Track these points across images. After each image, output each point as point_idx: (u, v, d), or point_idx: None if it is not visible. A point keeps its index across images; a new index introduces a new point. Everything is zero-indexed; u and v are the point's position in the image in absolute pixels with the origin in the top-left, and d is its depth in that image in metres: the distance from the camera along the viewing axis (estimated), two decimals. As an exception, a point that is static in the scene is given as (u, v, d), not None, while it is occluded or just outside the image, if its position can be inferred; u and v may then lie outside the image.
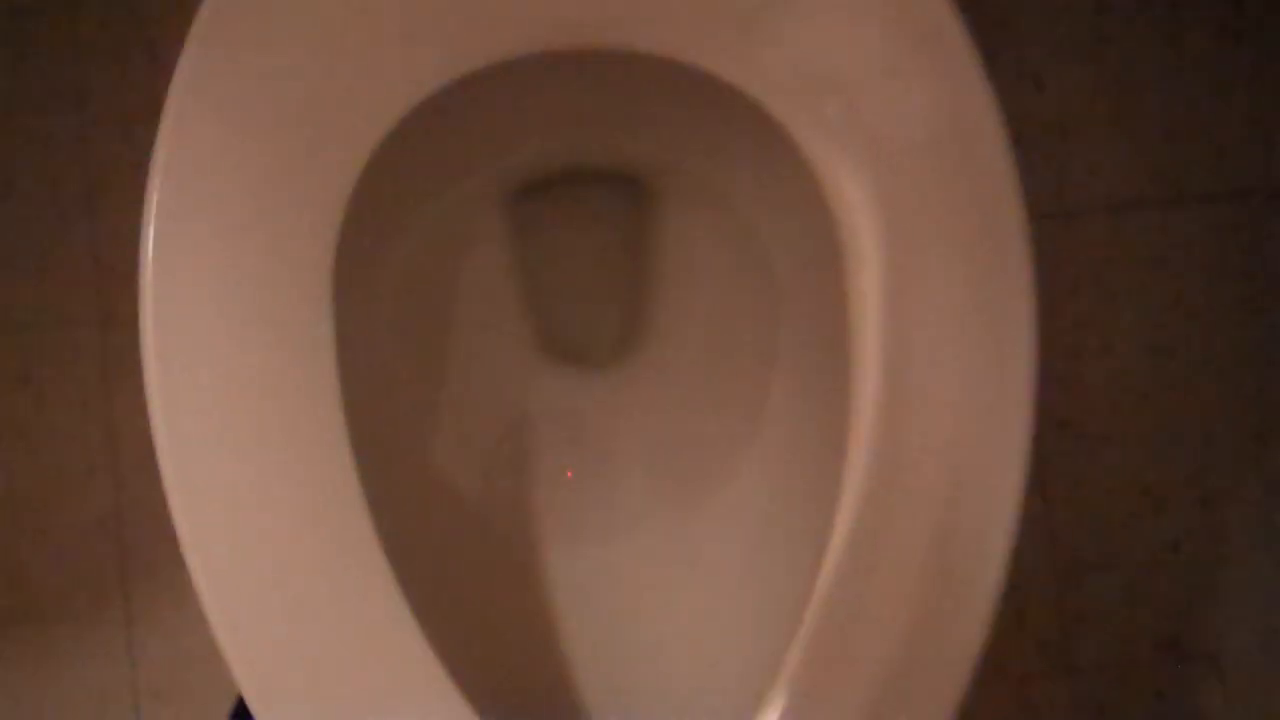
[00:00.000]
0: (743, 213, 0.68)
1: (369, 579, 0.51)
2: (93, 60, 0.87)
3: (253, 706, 0.50)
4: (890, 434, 0.51)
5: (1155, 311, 0.90)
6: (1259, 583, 0.90)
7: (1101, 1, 0.91)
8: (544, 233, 0.72)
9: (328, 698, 0.50)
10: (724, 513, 0.66)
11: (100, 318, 0.86)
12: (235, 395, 0.51)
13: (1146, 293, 0.90)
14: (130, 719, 0.85)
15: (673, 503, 0.67)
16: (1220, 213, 0.91)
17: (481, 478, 0.68)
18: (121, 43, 0.87)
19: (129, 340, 0.85)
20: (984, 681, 0.86)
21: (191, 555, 0.50)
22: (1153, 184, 0.91)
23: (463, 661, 0.52)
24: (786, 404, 0.65)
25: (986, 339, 0.51)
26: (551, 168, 0.71)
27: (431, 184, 0.66)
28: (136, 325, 0.82)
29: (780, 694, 0.51)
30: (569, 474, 0.69)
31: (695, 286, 0.70)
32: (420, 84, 0.54)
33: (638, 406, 0.70)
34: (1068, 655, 0.89)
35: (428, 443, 0.67)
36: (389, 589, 0.51)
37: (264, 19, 0.52)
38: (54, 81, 0.87)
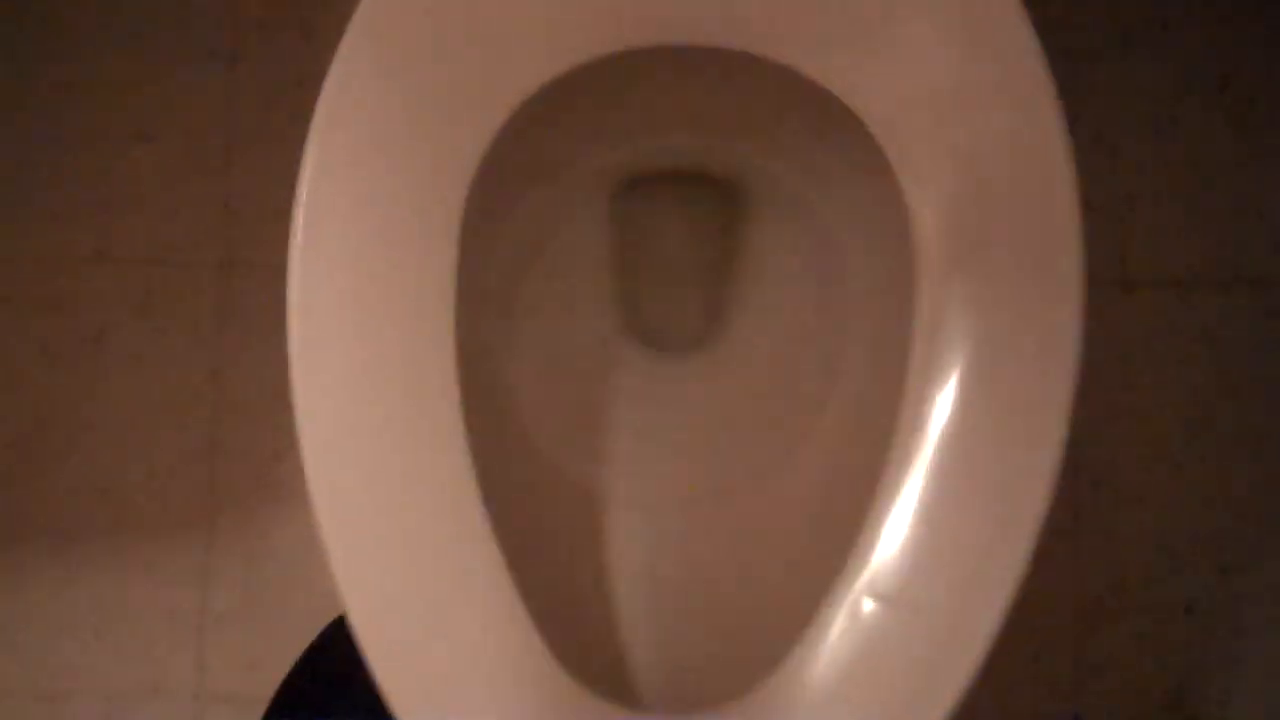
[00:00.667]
0: (826, 225, 0.73)
1: (469, 528, 0.57)
2: (249, 27, 0.94)
3: (364, 645, 0.55)
4: (940, 426, 0.57)
5: (1198, 386, 0.95)
6: (1268, 653, 0.94)
7: (1181, 85, 0.97)
8: (640, 225, 0.78)
9: (433, 651, 0.56)
10: (781, 498, 0.72)
11: (222, 261, 0.93)
12: (364, 346, 0.57)
13: (1192, 367, 0.95)
14: (194, 638, 0.91)
15: (735, 483, 0.73)
16: (1272, 298, 0.96)
17: (562, 442, 0.74)
18: (277, 16, 0.94)
19: (245, 285, 0.92)
20: (992, 715, 0.92)
21: (316, 492, 0.56)
22: (1211, 264, 0.96)
23: (538, 605, 0.58)
24: (845, 405, 0.71)
25: (1032, 373, 0.57)
26: (654, 165, 0.77)
27: (545, 167, 0.72)
28: (254, 272, 0.90)
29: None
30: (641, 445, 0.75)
31: (774, 289, 0.76)
32: (546, 68, 0.59)
33: (711, 391, 0.76)
34: (1078, 701, 0.94)
35: (517, 404, 0.73)
36: (487, 537, 0.57)
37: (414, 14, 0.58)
38: (209, 42, 0.94)
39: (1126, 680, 0.94)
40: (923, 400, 0.58)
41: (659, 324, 0.78)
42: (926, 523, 0.57)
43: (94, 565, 0.91)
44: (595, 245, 0.77)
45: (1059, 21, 0.97)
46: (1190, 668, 0.94)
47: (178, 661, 0.91)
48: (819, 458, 0.72)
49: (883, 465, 0.58)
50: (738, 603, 0.70)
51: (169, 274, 0.93)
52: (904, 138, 0.59)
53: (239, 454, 0.91)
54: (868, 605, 0.57)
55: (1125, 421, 0.95)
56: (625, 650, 0.69)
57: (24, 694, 0.91)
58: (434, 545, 0.57)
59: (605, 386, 0.76)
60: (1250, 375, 0.95)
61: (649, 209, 0.78)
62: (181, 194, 0.93)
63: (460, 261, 0.59)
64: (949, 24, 0.59)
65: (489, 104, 0.59)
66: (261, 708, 0.84)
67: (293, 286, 0.56)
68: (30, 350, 0.93)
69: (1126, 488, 0.95)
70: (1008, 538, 0.57)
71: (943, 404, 0.57)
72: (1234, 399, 0.95)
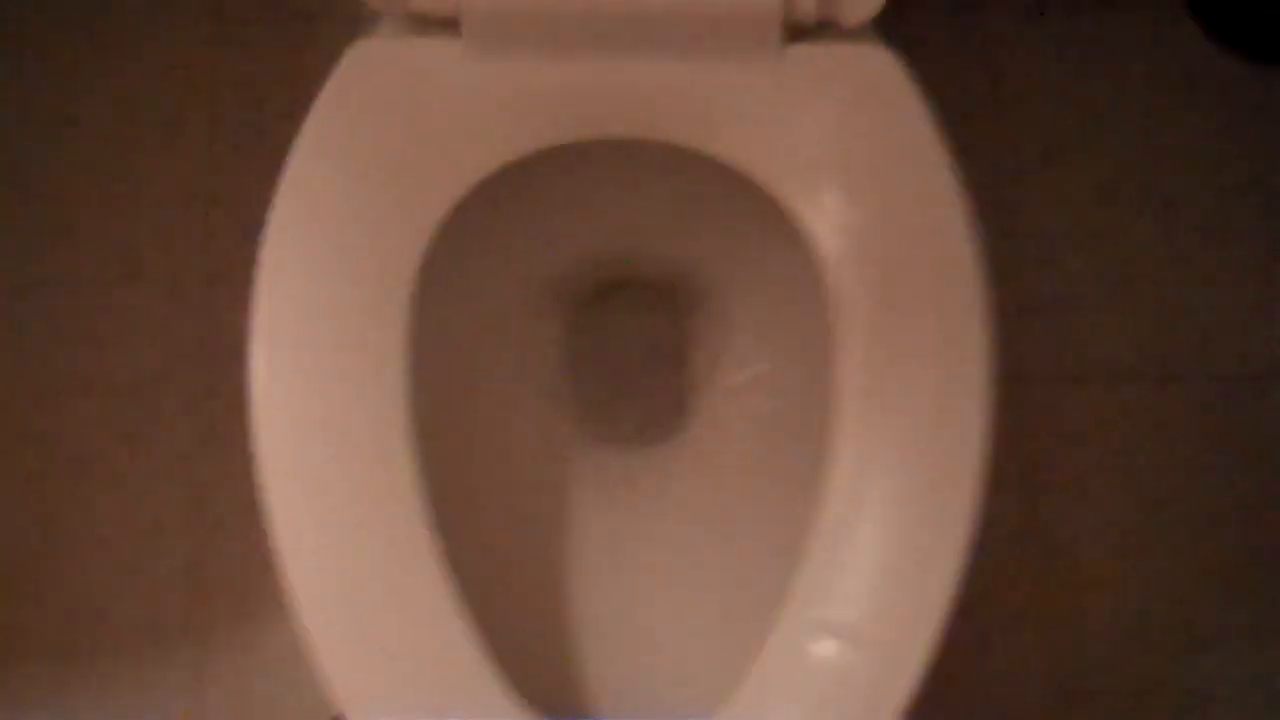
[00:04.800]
0: (759, 311, 0.80)
1: (431, 589, 0.61)
2: (223, 167, 1.01)
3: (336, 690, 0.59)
4: (863, 481, 0.62)
5: (1148, 470, 0.99)
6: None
7: (1102, 195, 1.03)
8: (596, 332, 0.83)
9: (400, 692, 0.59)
10: (733, 565, 0.76)
11: (203, 389, 0.97)
12: (325, 446, 0.62)
13: (1140, 454, 0.99)
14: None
15: (691, 551, 0.77)
16: (1205, 392, 1.01)
17: (527, 512, 0.78)
18: (249, 154, 1.01)
19: (226, 411, 0.96)
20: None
21: (285, 558, 0.60)
22: (1146, 361, 1.01)
23: (503, 655, 0.61)
24: (785, 467, 0.75)
25: (947, 395, 0.62)
26: (591, 271, 0.83)
27: (487, 275, 0.77)
28: (235, 399, 0.93)
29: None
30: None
31: (717, 375, 0.82)
32: (470, 172, 0.65)
33: (666, 479, 0.81)
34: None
35: (481, 484, 0.76)
36: (444, 592, 0.61)
37: (361, 116, 0.65)
38: (186, 185, 1.01)
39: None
40: (845, 459, 0.62)
41: (616, 423, 0.83)
42: (859, 567, 0.61)
43: (89, 686, 0.92)
44: (547, 351, 0.82)
45: (987, 140, 1.04)
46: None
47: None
48: (768, 511, 0.76)
49: (814, 520, 0.62)
50: (687, 642, 0.73)
51: (155, 403, 0.96)
52: (814, 211, 0.64)
53: (225, 570, 0.94)
54: (809, 639, 0.60)
55: (1086, 506, 0.99)
56: (589, 690, 0.72)
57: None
58: (401, 610, 0.61)
59: (564, 473, 0.80)
60: (1195, 459, 1.00)
61: (604, 317, 0.84)
62: (165, 328, 0.98)
63: (411, 360, 0.63)
64: (846, 107, 0.65)
65: (427, 205, 0.65)
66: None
67: (255, 389, 0.61)
68: (19, 478, 0.96)
69: (1090, 572, 0.98)
70: (931, 580, 0.60)
71: (863, 461, 0.62)
72: (1182, 481, 0.99)
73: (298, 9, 1.04)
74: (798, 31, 0.65)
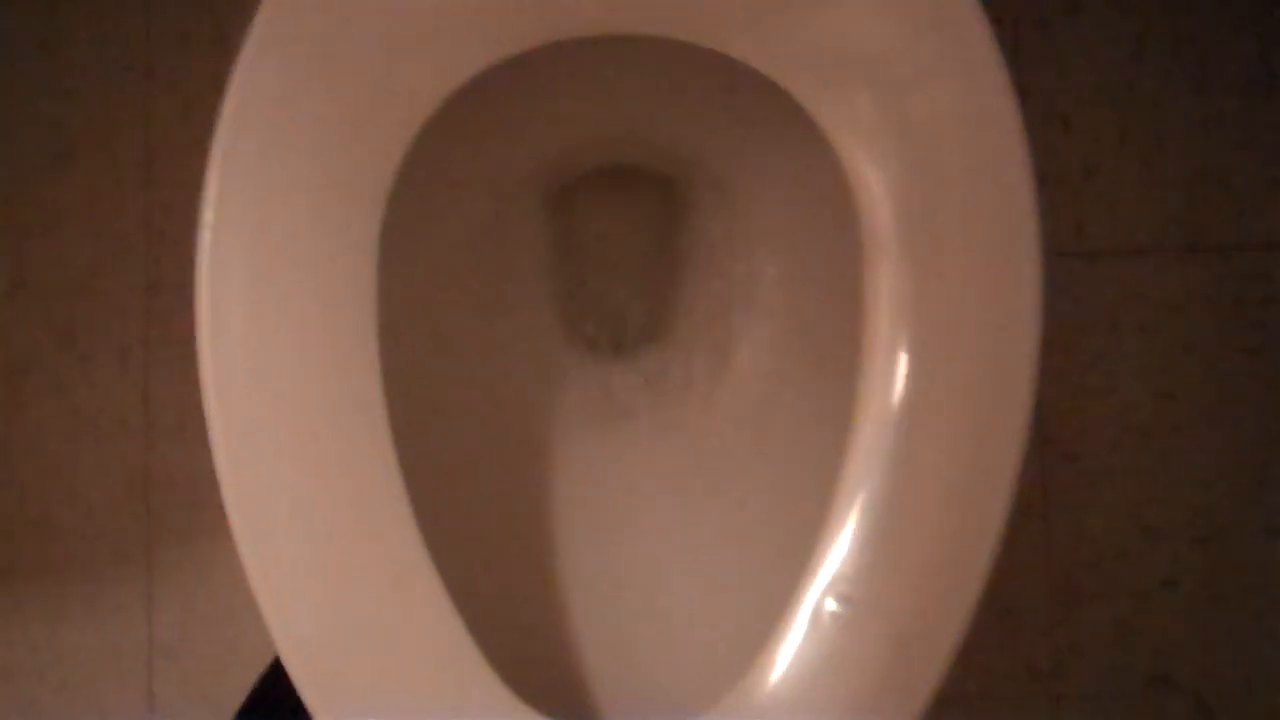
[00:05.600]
0: (767, 208, 0.71)
1: (402, 544, 0.55)
2: (162, 39, 0.91)
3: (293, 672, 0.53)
4: (898, 416, 0.55)
5: (1164, 355, 0.93)
6: (1250, 624, 0.92)
7: (1134, 51, 0.94)
8: (579, 227, 0.75)
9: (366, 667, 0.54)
10: (740, 499, 0.69)
11: (147, 283, 0.90)
12: (281, 356, 0.54)
13: (1157, 336, 0.93)
14: (142, 675, 0.88)
15: (690, 485, 0.71)
16: (1234, 264, 0.93)
17: (504, 451, 0.71)
18: (190, 24, 0.91)
19: (172, 306, 0.89)
20: (972, 702, 0.90)
21: (233, 512, 0.54)
22: (1171, 231, 0.94)
23: (480, 623, 0.55)
24: (801, 400, 0.69)
25: (994, 331, 0.54)
26: (586, 163, 0.74)
27: (472, 171, 0.69)
28: (180, 292, 0.87)
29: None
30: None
31: (720, 283, 0.74)
32: (462, 67, 0.56)
33: (660, 392, 0.73)
34: (1058, 683, 0.91)
35: (455, 411, 0.70)
36: (419, 554, 0.54)
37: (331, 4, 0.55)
38: (122, 57, 0.91)
39: (1108, 659, 0.92)
40: (878, 392, 0.55)
41: (603, 327, 0.76)
42: (888, 520, 0.54)
43: (32, 603, 0.88)
44: (534, 249, 0.75)
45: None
46: (1172, 643, 0.92)
47: (127, 697, 0.88)
48: (779, 452, 0.69)
49: (841, 462, 0.55)
50: (698, 610, 0.67)
51: (93, 300, 0.89)
52: (841, 115, 0.56)
53: (174, 481, 0.89)
54: (830, 607, 0.54)
55: (1093, 394, 0.93)
56: (581, 668, 0.66)
57: (-32, 743, 0.88)
58: (368, 571, 0.54)
59: (549, 392, 0.73)
60: (1215, 342, 0.93)
61: (587, 210, 0.76)
62: (102, 214, 0.90)
63: (381, 273, 0.56)
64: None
65: (402, 109, 0.56)
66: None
67: (201, 313, 0.53)
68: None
69: (1097, 462, 0.93)
70: (972, 532, 0.55)
71: (899, 395, 0.55)
72: (1200, 366, 0.93)
73: None
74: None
